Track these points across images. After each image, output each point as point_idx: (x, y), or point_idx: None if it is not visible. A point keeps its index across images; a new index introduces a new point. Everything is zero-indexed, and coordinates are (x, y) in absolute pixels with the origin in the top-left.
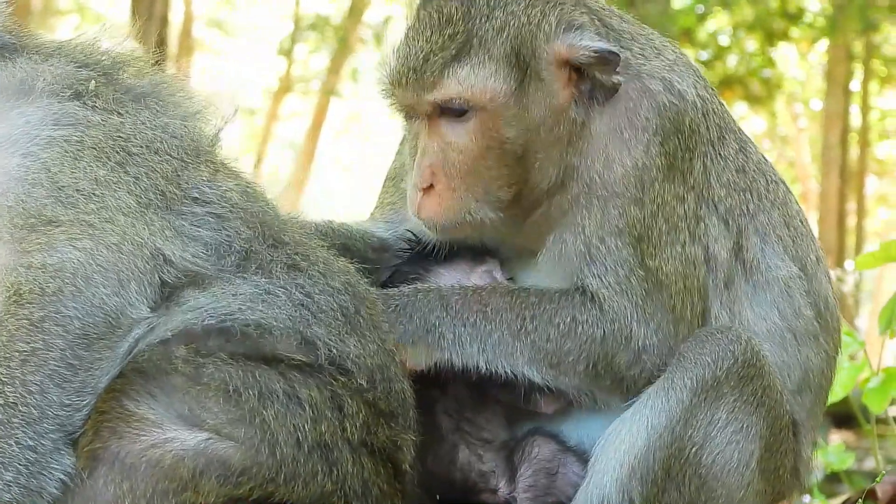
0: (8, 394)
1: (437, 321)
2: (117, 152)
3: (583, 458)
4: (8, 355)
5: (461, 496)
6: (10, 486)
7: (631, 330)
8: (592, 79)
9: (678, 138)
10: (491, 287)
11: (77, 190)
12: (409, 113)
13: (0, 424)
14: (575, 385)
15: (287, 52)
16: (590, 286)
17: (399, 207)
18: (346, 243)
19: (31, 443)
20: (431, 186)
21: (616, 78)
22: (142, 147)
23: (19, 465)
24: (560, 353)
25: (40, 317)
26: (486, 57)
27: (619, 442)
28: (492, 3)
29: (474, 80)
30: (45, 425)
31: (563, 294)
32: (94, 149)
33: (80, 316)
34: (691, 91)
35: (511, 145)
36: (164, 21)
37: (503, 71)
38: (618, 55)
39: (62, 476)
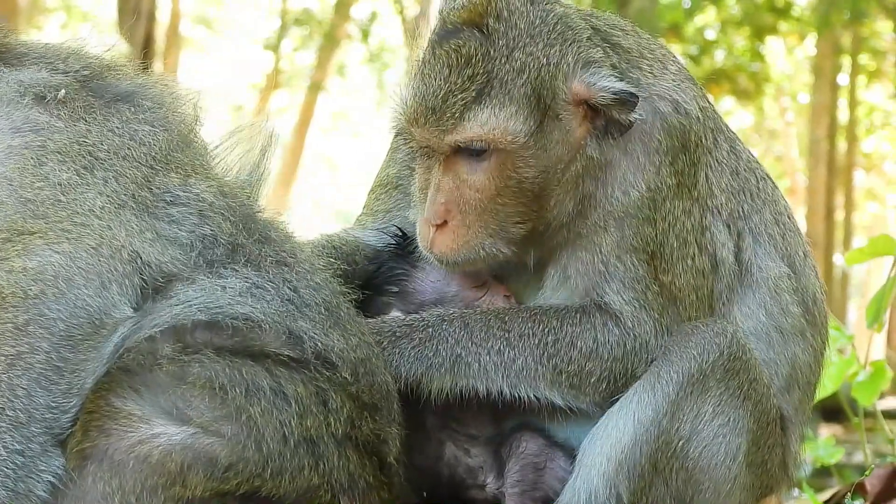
0: None
1: (463, 352)
2: (83, 156)
3: (570, 452)
4: None
5: (449, 492)
6: None
7: (650, 344)
8: (608, 117)
9: (685, 155)
10: (512, 310)
11: (44, 199)
12: (426, 152)
13: None
14: (595, 402)
15: (274, 48)
16: (611, 303)
17: (392, 215)
18: (350, 257)
19: (18, 447)
20: (445, 223)
21: (633, 116)
22: (109, 153)
23: (7, 469)
24: (582, 374)
25: (24, 320)
26: (507, 99)
27: (607, 436)
28: (511, 44)
29: (495, 123)
30: (33, 428)
31: (583, 314)
32: (58, 153)
33: (63, 318)
34: (694, 105)
35: (528, 184)
36: (151, 18)
37: (523, 112)
38: (637, 97)
39: (51, 478)
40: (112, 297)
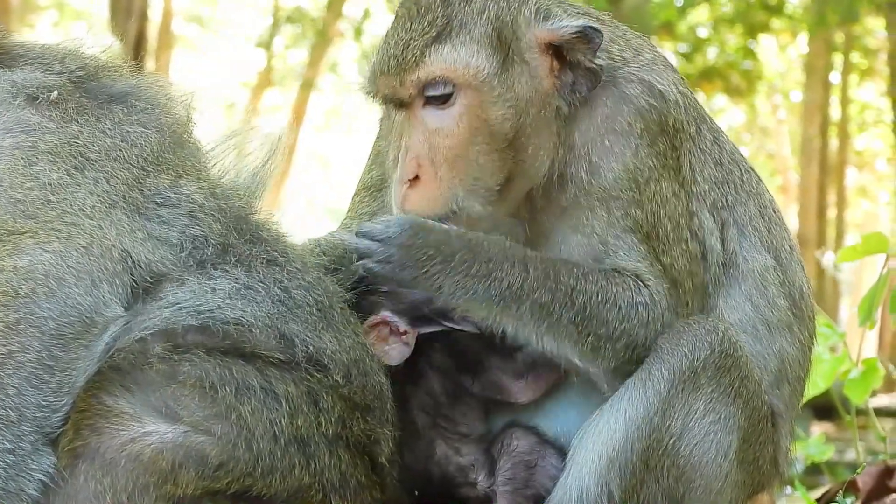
0: None
1: (512, 297)
2: (73, 157)
3: (561, 450)
4: None
5: (440, 491)
6: None
7: (665, 317)
8: (574, 66)
9: (665, 138)
10: (566, 264)
11: (34, 199)
12: (393, 102)
13: None
14: (605, 368)
15: (266, 46)
16: (632, 269)
17: (377, 218)
18: (339, 260)
19: (9, 445)
20: (417, 178)
21: (599, 61)
22: (100, 154)
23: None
24: (612, 337)
25: (15, 319)
26: (468, 37)
27: (598, 434)
28: None
29: (456, 58)
30: (24, 427)
31: (620, 275)
32: (49, 153)
33: (54, 316)
34: (672, 90)
35: (498, 127)
36: (143, 17)
37: (485, 51)
38: (600, 32)
39: (42, 477)
40: (103, 296)
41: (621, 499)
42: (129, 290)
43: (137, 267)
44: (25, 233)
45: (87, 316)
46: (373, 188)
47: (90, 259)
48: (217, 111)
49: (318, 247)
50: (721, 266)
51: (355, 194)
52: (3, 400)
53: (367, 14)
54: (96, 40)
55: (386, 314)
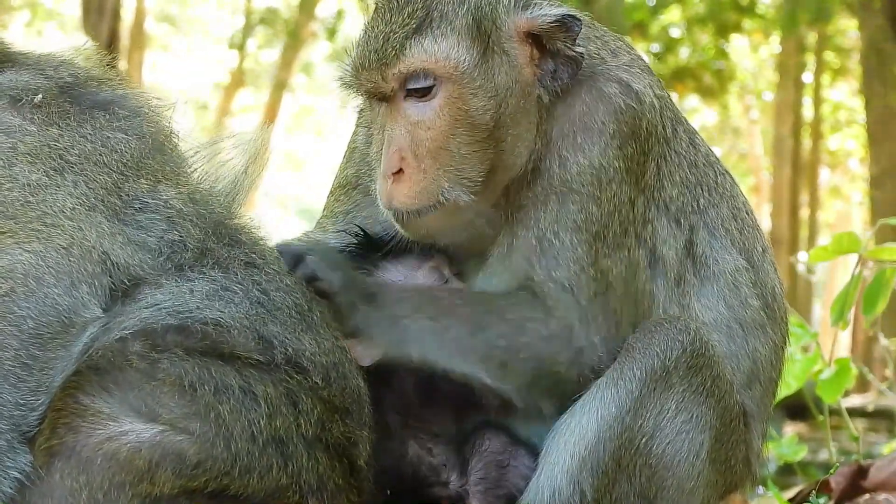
0: None
1: (402, 317)
2: (53, 159)
3: (533, 450)
4: None
5: (412, 490)
6: None
7: (573, 328)
8: (554, 55)
9: (635, 142)
10: (449, 288)
11: (13, 200)
12: (374, 96)
13: None
14: (519, 386)
15: (239, 47)
16: (537, 281)
17: (353, 216)
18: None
19: None
20: (401, 172)
21: (578, 49)
22: (79, 157)
23: None
24: (511, 351)
25: None
26: (448, 29)
27: (570, 433)
28: None
29: (436, 50)
30: (0, 425)
31: (514, 293)
32: (28, 154)
33: (33, 315)
34: (649, 92)
35: (480, 117)
36: (115, 16)
37: (465, 42)
38: (579, 20)
39: (17, 475)
40: (82, 297)
41: (594, 498)
42: (108, 292)
43: (116, 269)
44: (5, 233)
45: (66, 316)
46: (348, 186)
47: (70, 260)
48: (189, 112)
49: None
50: (678, 273)
51: (330, 193)
52: None
53: (340, 15)
54: (91, 54)
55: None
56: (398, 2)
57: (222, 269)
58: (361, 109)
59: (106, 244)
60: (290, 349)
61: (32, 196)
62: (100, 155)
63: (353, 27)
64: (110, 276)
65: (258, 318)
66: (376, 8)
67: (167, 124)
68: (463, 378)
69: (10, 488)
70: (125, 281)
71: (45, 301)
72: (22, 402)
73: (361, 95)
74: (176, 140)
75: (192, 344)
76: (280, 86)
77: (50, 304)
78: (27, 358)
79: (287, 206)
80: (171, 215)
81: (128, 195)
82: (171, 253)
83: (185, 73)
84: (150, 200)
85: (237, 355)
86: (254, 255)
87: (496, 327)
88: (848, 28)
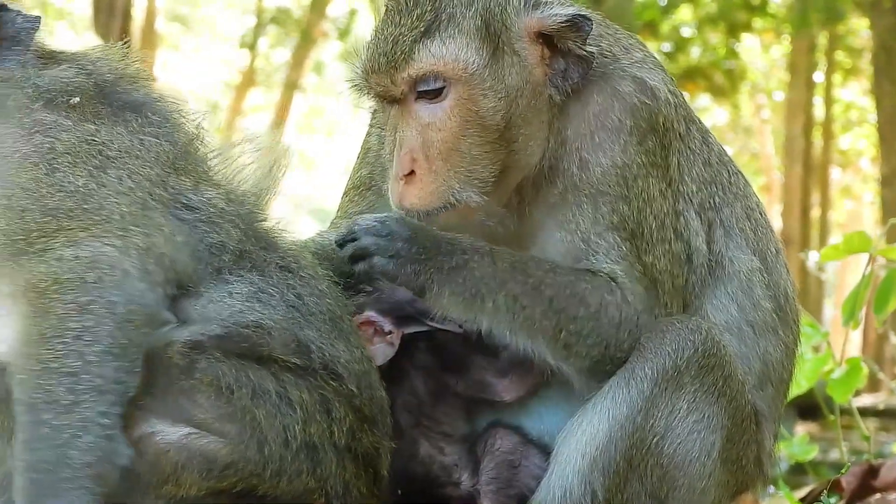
0: (70, 364)
1: (484, 289)
2: (93, 157)
3: (545, 450)
4: (61, 332)
5: (423, 490)
6: (92, 448)
7: (640, 319)
8: (565, 54)
9: (654, 136)
10: (535, 259)
11: (63, 207)
12: (385, 99)
13: (69, 392)
14: (578, 368)
15: (250, 46)
16: (607, 270)
17: (363, 216)
18: (326, 261)
19: (102, 409)
20: (412, 173)
21: (589, 48)
22: (120, 152)
23: (97, 427)
24: (581, 334)
25: (86, 300)
26: (457, 31)
27: (581, 433)
28: None
29: (446, 53)
30: (109, 396)
31: (593, 274)
32: (68, 154)
33: (122, 303)
34: (663, 88)
35: (490, 118)
36: (126, 16)
37: (475, 43)
38: (590, 20)
39: (126, 449)
40: (158, 299)
41: (605, 498)
42: (169, 299)
43: (177, 276)
44: (74, 229)
45: (151, 311)
46: (362, 187)
47: (148, 261)
48: (210, 115)
49: (306, 246)
50: (707, 267)
51: (345, 193)
52: (87, 367)
53: (352, 14)
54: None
55: (371, 314)
56: (407, 4)
57: (259, 273)
58: (375, 111)
59: (171, 250)
60: (326, 354)
61: (82, 204)
62: (139, 150)
63: (365, 27)
64: (176, 286)
65: (294, 321)
66: (385, 10)
67: (195, 130)
68: (522, 350)
69: (127, 457)
70: (180, 286)
71: (133, 292)
72: (123, 379)
73: (372, 98)
74: (202, 146)
75: (231, 346)
76: (291, 85)
77: (137, 296)
78: (123, 338)
79: (299, 206)
80: (213, 215)
81: (174, 189)
82: (211, 256)
83: (195, 73)
84: (193, 196)
85: (275, 359)
86: (289, 260)
87: (574, 309)
88: (859, 28)
